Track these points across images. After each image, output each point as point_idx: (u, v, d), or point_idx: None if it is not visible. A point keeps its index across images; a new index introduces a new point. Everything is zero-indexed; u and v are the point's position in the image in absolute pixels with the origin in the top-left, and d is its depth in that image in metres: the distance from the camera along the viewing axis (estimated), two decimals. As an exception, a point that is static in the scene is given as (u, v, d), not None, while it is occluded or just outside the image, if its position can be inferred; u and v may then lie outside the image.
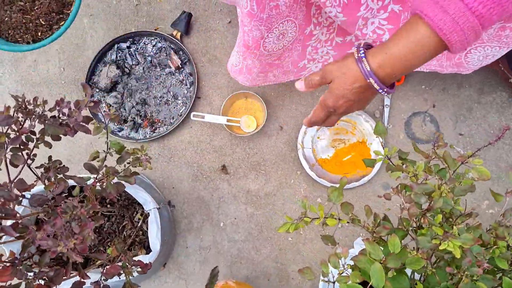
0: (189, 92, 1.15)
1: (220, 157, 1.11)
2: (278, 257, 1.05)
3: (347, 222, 0.57)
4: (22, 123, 0.58)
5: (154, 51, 1.17)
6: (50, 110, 0.57)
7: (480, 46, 0.79)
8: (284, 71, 0.90)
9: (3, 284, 0.55)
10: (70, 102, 0.58)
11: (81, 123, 0.58)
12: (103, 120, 1.12)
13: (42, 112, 0.57)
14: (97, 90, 1.16)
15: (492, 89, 1.09)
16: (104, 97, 1.16)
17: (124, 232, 0.95)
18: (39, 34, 1.15)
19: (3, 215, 0.54)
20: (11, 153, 0.59)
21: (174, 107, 1.15)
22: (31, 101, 0.56)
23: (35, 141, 0.61)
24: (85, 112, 1.12)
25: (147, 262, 0.71)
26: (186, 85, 1.15)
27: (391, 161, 0.61)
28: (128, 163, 0.73)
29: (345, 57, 0.61)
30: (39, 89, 1.19)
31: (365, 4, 0.73)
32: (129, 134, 1.14)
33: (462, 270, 0.45)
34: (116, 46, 1.17)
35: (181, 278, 1.06)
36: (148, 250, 0.91)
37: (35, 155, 0.62)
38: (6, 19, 1.13)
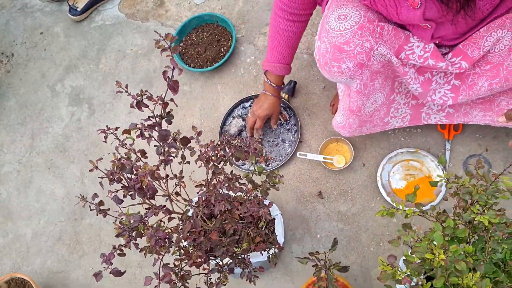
0: (294, 138, 1.57)
1: (317, 186, 1.49)
2: (362, 263, 1.37)
3: (419, 214, 0.92)
4: (221, 150, 1.02)
5: (269, 108, 1.62)
6: (240, 142, 1.00)
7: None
8: (373, 125, 1.29)
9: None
10: (251, 138, 1.01)
11: (255, 152, 1.01)
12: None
13: (235, 144, 1.00)
14: (228, 136, 1.62)
15: (536, 137, 1.38)
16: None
17: (252, 233, 1.34)
18: (202, 67, 1.71)
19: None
20: (213, 168, 1.02)
21: (283, 149, 1.56)
22: (232, 138, 0.99)
23: (225, 161, 1.04)
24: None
25: (280, 245, 1.09)
26: (292, 132, 1.57)
27: (448, 181, 0.95)
28: (265, 180, 1.13)
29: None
30: (186, 135, 1.67)
31: (435, 81, 1.11)
32: (249, 168, 1.57)
33: (489, 234, 0.77)
34: (241, 104, 1.64)
35: (287, 275, 1.41)
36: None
37: (223, 169, 1.05)
38: (189, 52, 1.74)
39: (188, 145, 1.04)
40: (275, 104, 1.44)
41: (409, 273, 0.82)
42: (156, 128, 0.89)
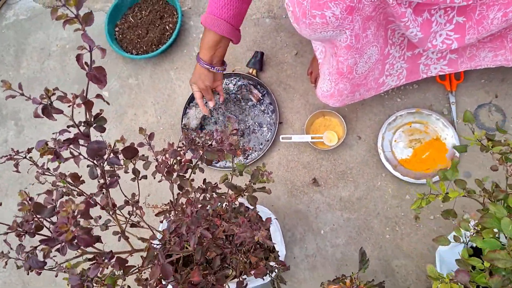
0: (272, 119, 1.30)
1: (310, 172, 1.24)
2: (380, 255, 1.14)
3: (464, 195, 0.68)
4: (185, 154, 0.74)
5: (236, 89, 1.34)
6: (209, 139, 0.73)
7: None
8: (368, 88, 1.04)
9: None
10: (223, 131, 0.73)
11: (231, 150, 0.73)
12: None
13: (203, 143, 0.72)
14: (190, 130, 1.33)
15: (551, 72, 1.18)
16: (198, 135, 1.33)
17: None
18: (146, 52, 1.41)
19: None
20: (179, 179, 0.74)
21: (261, 134, 1.30)
22: (197, 135, 0.72)
23: (192, 168, 0.77)
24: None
25: (285, 264, 0.84)
26: (268, 113, 1.31)
27: (482, 144, 0.72)
28: (250, 182, 0.87)
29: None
30: (141, 137, 1.37)
31: (435, 22, 0.87)
32: (225, 164, 1.30)
33: None
34: (202, 90, 1.36)
35: (294, 287, 1.17)
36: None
37: (192, 179, 0.77)
38: (128, 37, 1.43)
39: (139, 154, 0.76)
40: (210, 75, 1.14)
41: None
42: (82, 141, 0.60)
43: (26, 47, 1.56)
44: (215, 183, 0.78)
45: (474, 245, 0.73)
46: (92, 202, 0.58)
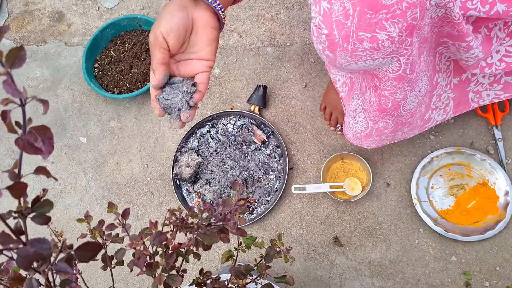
0: (280, 165, 1.09)
1: (329, 228, 1.02)
2: (424, 333, 0.91)
3: None
4: (173, 237, 0.52)
5: (236, 130, 1.13)
6: (207, 218, 0.51)
7: None
8: (412, 127, 0.84)
9: None
10: (225, 202, 0.52)
11: (238, 230, 0.52)
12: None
13: (198, 222, 0.51)
14: (182, 181, 1.12)
15: None
16: (192, 187, 1.11)
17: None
18: (130, 90, 1.21)
19: None
20: (165, 274, 0.52)
21: (268, 184, 1.08)
22: (190, 213, 0.50)
23: (184, 255, 0.55)
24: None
25: None
26: (275, 158, 1.10)
27: None
28: (262, 263, 0.65)
29: None
30: (126, 191, 1.16)
31: (495, 36, 0.67)
32: (226, 221, 1.07)
33: None
34: (197, 132, 1.15)
35: None
36: None
37: (185, 270, 0.55)
38: (109, 74, 1.23)
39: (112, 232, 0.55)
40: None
41: None
42: (9, 244, 0.38)
43: (-7, 89, 1.36)
44: (217, 276, 0.56)
45: None
46: None
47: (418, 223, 0.98)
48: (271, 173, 1.09)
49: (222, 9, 0.60)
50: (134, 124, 1.22)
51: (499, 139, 1.00)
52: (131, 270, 0.53)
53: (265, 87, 1.14)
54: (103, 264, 0.58)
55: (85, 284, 0.58)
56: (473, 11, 0.60)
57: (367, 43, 0.53)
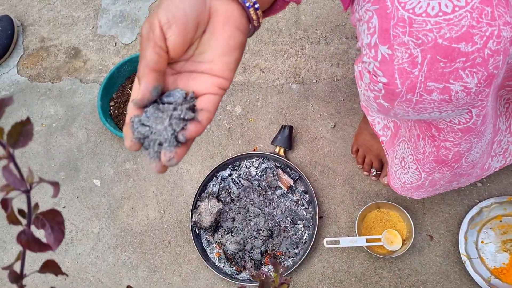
0: (309, 213, 0.99)
1: (366, 287, 0.91)
2: None
3: None
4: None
5: (259, 174, 1.05)
6: None
7: None
8: (471, 177, 0.74)
9: None
10: (263, 281, 0.43)
11: None
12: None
13: None
14: (202, 229, 1.03)
15: None
16: (213, 236, 1.02)
17: None
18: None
19: None
20: None
21: (295, 234, 0.98)
22: None
23: None
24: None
25: None
26: (303, 205, 1.00)
27: None
28: None
29: None
30: (141, 239, 1.07)
31: None
32: (248, 278, 0.97)
33: None
34: (218, 175, 1.07)
35: None
36: None
37: None
38: (125, 113, 1.12)
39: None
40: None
41: None
42: None
43: (6, 127, 1.31)
44: None
45: None
46: None
47: (469, 283, 0.87)
48: (299, 222, 0.99)
49: (256, 5, 0.41)
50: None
51: (557, 187, 0.89)
52: None
53: (290, 127, 1.06)
54: None
55: None
56: None
57: (437, 94, 0.45)
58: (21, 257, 0.31)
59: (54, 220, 0.33)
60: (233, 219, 1.02)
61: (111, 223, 1.11)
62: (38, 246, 0.31)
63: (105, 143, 1.20)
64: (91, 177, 1.17)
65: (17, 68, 1.40)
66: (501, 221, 0.90)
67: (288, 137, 1.06)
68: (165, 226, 1.08)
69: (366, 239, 0.91)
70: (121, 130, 1.16)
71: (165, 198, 1.10)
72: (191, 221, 1.03)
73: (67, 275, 0.34)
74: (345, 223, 0.98)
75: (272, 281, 0.45)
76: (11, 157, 0.28)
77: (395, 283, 0.90)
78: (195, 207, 1.04)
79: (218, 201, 1.03)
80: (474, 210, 0.90)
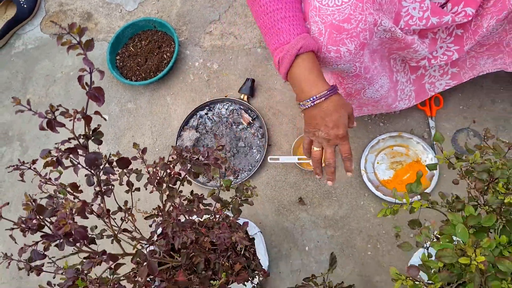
0: (261, 142, 1.38)
1: (296, 191, 1.30)
2: (361, 271, 1.19)
3: (427, 206, 0.74)
4: (174, 167, 0.81)
5: (228, 113, 1.42)
6: (194, 153, 0.80)
7: None
8: (377, 109, 1.13)
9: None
10: (209, 147, 0.80)
11: (216, 163, 0.80)
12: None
13: (190, 156, 0.79)
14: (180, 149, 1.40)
15: (522, 99, 1.26)
16: (192, 156, 1.40)
17: (230, 261, 1.13)
18: (145, 79, 1.49)
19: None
20: (168, 191, 0.81)
21: (251, 156, 1.37)
22: (185, 150, 0.79)
23: (181, 180, 0.83)
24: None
25: (266, 271, 0.89)
26: (258, 136, 1.38)
27: (451, 161, 0.79)
28: (235, 196, 0.93)
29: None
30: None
31: (439, 38, 0.96)
32: (216, 184, 1.36)
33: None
34: (197, 114, 1.44)
35: (280, 301, 1.21)
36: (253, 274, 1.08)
37: (181, 191, 0.84)
38: (128, 65, 1.51)
39: (133, 168, 0.83)
40: (342, 101, 0.84)
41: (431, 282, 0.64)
42: (80, 151, 0.67)
43: (33, 75, 1.66)
44: (201, 194, 0.85)
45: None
46: (87, 204, 0.64)
47: (364, 189, 1.26)
48: (254, 148, 1.38)
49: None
50: (147, 106, 1.51)
51: (432, 128, 1.28)
52: (146, 189, 0.82)
53: (253, 80, 1.43)
54: (127, 188, 0.87)
55: (114, 196, 0.86)
56: (415, 26, 0.89)
57: (333, 53, 0.81)
58: (86, 104, 0.68)
59: (100, 92, 0.68)
60: (207, 145, 1.40)
61: (116, 147, 1.48)
62: (95, 98, 0.66)
63: (112, 88, 1.56)
64: (101, 113, 1.53)
65: (40, 27, 1.73)
66: (392, 149, 1.29)
67: (251, 87, 1.43)
68: (157, 149, 1.45)
69: (298, 158, 1.30)
70: (125, 78, 1.52)
71: (157, 130, 1.47)
72: (176, 145, 1.40)
73: (105, 119, 0.71)
74: (286, 149, 1.36)
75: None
76: (85, 54, 0.64)
77: (315, 188, 1.29)
78: (179, 136, 1.42)
79: (196, 132, 1.41)
80: (374, 141, 1.28)
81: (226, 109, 1.43)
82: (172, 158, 0.82)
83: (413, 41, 0.90)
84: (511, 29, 0.98)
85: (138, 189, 0.86)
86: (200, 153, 0.81)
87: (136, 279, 0.68)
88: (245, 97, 1.42)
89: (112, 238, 0.75)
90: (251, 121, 1.39)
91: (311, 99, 0.82)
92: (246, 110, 1.42)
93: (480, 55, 1.08)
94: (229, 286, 0.87)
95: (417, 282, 0.58)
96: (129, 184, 0.85)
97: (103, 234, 0.80)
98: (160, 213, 0.73)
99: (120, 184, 0.84)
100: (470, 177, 0.71)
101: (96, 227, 0.82)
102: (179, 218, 0.70)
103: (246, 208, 1.32)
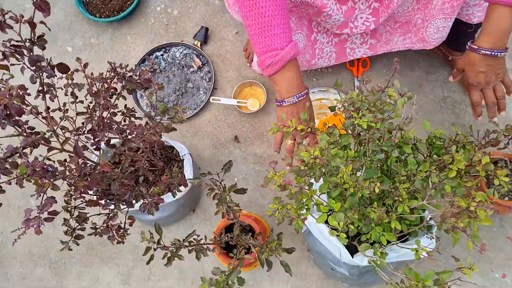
0: (208, 85, 1.53)
1: (233, 130, 1.48)
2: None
3: (310, 131, 0.92)
4: (110, 82, 0.96)
5: (181, 56, 1.56)
6: (129, 71, 0.95)
7: (433, 20, 1.12)
8: (300, 65, 1.28)
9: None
10: (143, 70, 0.96)
11: (147, 82, 0.96)
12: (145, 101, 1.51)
13: (123, 73, 0.95)
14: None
15: (436, 69, 1.45)
16: (144, 92, 1.55)
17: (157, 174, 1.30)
18: (109, 16, 1.61)
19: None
20: (103, 101, 0.96)
21: (198, 96, 1.53)
22: (119, 67, 0.94)
23: (116, 94, 0.99)
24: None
25: (187, 184, 1.07)
26: (206, 80, 1.54)
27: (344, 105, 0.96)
28: (162, 115, 1.09)
29: (466, 54, 1.02)
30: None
31: (358, 8, 1.11)
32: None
33: (370, 135, 0.79)
34: (153, 54, 1.58)
35: (206, 220, 1.40)
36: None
37: (116, 104, 1.00)
38: (94, 2, 1.62)
39: (79, 82, 0.98)
40: (310, 100, 1.07)
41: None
42: (26, 52, 0.82)
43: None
44: (132, 107, 1.01)
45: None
46: (25, 88, 0.79)
47: (291, 133, 1.45)
48: (201, 89, 1.53)
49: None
50: (108, 43, 1.63)
51: (356, 86, 1.46)
52: (86, 99, 0.97)
53: (207, 29, 1.57)
54: (72, 100, 1.02)
55: (57, 99, 1.01)
56: None
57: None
58: (33, 13, 0.82)
59: (46, 5, 0.82)
60: (160, 83, 1.54)
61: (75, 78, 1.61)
62: (40, 8, 0.80)
63: (77, 23, 1.67)
64: (65, 45, 1.65)
65: (14, -43, 1.80)
66: (320, 102, 1.47)
67: (204, 35, 1.57)
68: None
69: (237, 101, 1.46)
70: (90, 14, 1.63)
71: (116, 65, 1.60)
72: (131, 80, 1.54)
73: (49, 29, 0.85)
74: (229, 93, 1.52)
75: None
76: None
77: (250, 129, 1.47)
78: (135, 72, 1.55)
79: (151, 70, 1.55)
80: (305, 92, 1.46)
81: (180, 53, 1.57)
82: (109, 74, 0.97)
83: (325, 5, 1.05)
84: (419, 9, 1.14)
85: (81, 102, 1.01)
86: (133, 71, 0.96)
87: (66, 163, 0.84)
88: (199, 43, 1.56)
89: (51, 133, 0.91)
90: (201, 66, 1.54)
91: (296, 96, 0.99)
92: (198, 55, 1.56)
93: (394, 31, 1.25)
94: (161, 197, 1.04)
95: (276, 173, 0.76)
96: (73, 95, 1.00)
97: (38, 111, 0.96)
98: (90, 112, 0.89)
99: (65, 94, 0.99)
100: (345, 109, 0.89)
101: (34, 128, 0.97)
102: (104, 116, 0.85)
103: (189, 142, 1.49)
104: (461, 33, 1.21)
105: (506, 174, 1.14)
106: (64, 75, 0.94)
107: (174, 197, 1.06)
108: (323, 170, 0.76)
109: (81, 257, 1.43)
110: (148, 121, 1.05)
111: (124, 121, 1.02)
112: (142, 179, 1.05)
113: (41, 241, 1.46)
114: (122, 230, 0.97)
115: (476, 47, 0.99)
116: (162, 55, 1.58)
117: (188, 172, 1.18)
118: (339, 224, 0.75)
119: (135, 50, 1.61)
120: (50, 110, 0.89)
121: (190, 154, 1.21)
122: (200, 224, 1.40)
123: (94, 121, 0.85)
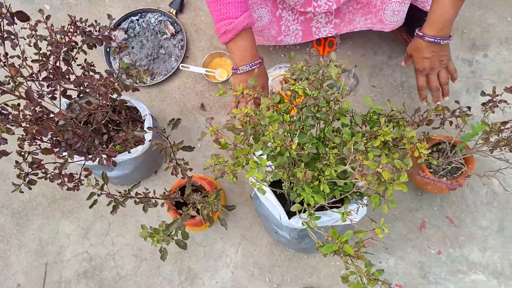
0: (180, 52, 1.57)
1: (200, 99, 1.53)
2: (237, 169, 1.44)
3: (257, 97, 0.98)
4: (71, 36, 1.00)
5: (156, 23, 1.60)
6: (89, 26, 0.99)
7: (389, 3, 1.16)
8: (266, 40, 1.32)
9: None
10: (105, 26, 1.00)
11: (106, 38, 1.00)
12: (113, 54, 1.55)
13: (83, 28, 0.98)
14: (111, 49, 1.58)
15: (397, 55, 1.50)
16: (118, 55, 1.58)
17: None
18: None
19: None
20: (63, 54, 1.00)
21: (169, 63, 1.57)
22: (79, 21, 0.98)
23: (77, 48, 1.03)
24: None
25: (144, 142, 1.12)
26: (178, 47, 1.58)
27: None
28: (124, 74, 1.14)
29: (414, 40, 1.09)
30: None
31: None
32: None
33: (306, 100, 0.85)
34: (129, 19, 1.61)
35: (167, 182, 1.46)
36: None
37: (77, 58, 1.04)
38: None
39: (37, 32, 1.01)
40: (265, 71, 1.15)
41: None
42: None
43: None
44: (92, 62, 1.05)
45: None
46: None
47: (255, 105, 1.50)
48: (172, 56, 1.57)
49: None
50: (86, 3, 1.66)
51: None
52: (47, 51, 1.01)
53: (183, -3, 1.60)
54: (36, 53, 1.05)
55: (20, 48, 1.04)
56: None
57: None
58: None
59: None
60: (133, 47, 1.58)
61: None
62: None
63: (57, -19, 1.69)
64: (43, 3, 1.67)
65: None
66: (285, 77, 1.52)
67: (180, 3, 1.60)
68: (88, 44, 1.62)
69: (206, 70, 1.51)
70: (70, -27, 1.64)
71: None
72: (105, 42, 1.57)
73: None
74: (200, 62, 1.56)
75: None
76: None
77: (216, 99, 1.52)
78: (110, 35, 1.58)
79: (125, 33, 1.58)
80: (272, 68, 1.50)
81: (155, 19, 1.60)
82: (71, 27, 1.01)
83: None
84: None
85: (45, 55, 1.05)
86: (93, 27, 1.00)
87: (20, 108, 0.89)
88: (174, 11, 1.60)
89: (9, 79, 0.95)
90: (175, 33, 1.58)
91: (249, 65, 1.04)
92: (172, 23, 1.60)
93: (356, 12, 1.30)
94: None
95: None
96: (37, 46, 1.04)
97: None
98: (45, 60, 0.93)
99: (29, 45, 1.03)
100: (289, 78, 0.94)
101: None
102: (58, 66, 0.90)
103: (156, 107, 1.54)
104: (417, 20, 1.26)
105: (445, 155, 1.21)
106: (26, 25, 0.97)
107: (129, 152, 1.12)
108: (255, 129, 0.82)
109: (43, 210, 1.49)
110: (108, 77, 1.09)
111: (84, 75, 1.06)
112: (99, 133, 1.10)
113: (6, 192, 1.52)
114: (76, 180, 1.02)
115: (422, 34, 1.05)
116: (137, 19, 1.61)
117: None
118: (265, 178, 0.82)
119: (111, 13, 1.64)
120: (8, 57, 0.93)
121: (154, 117, 1.26)
122: (161, 186, 1.46)
123: (47, 69, 0.89)
